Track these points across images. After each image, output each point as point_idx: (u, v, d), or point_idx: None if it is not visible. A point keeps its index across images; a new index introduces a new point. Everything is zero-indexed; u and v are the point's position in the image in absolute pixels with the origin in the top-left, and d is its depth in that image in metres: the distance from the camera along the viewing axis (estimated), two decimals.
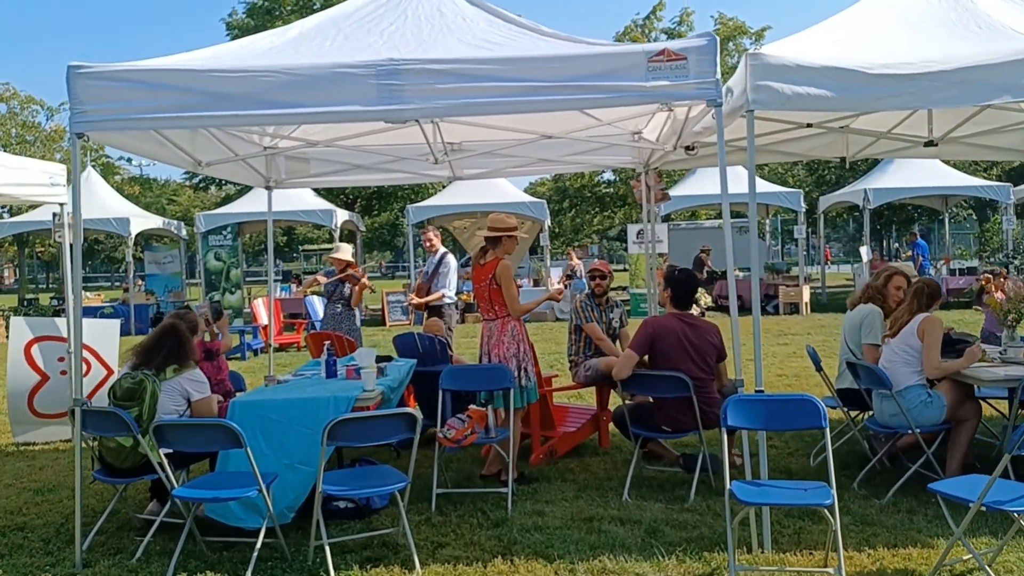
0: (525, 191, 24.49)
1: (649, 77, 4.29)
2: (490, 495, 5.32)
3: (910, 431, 5.05)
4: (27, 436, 7.56)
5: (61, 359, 7.66)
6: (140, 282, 23.73)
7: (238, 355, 13.76)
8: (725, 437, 4.19)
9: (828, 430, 4.00)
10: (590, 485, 5.59)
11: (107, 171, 33.51)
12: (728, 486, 3.86)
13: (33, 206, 25.17)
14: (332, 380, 5.42)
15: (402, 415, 4.15)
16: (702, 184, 20.15)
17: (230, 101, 4.32)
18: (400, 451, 6.53)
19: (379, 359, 6.26)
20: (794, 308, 18.67)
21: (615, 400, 7.25)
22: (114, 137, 4.84)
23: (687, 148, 5.92)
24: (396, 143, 6.91)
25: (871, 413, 5.55)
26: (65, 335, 7.54)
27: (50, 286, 44.73)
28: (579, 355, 6.54)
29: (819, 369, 6.08)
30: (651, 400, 5.48)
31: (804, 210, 20.56)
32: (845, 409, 5.85)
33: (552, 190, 32.53)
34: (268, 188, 7.54)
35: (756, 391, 4.38)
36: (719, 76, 4.31)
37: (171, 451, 4.36)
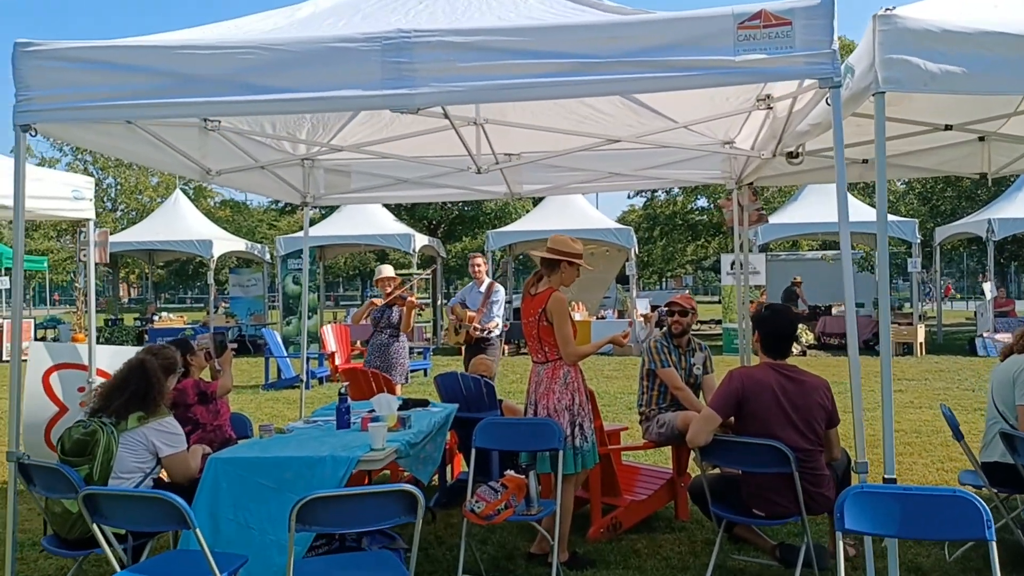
0: (617, 220, 23.40)
1: (739, 49, 3.20)
2: None
3: None
4: None
5: (81, 388, 6.99)
6: (224, 304, 23.69)
7: (298, 383, 13.07)
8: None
9: (995, 543, 2.78)
10: (661, 573, 4.44)
11: (199, 194, 34.11)
12: None
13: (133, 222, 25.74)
14: (342, 432, 4.46)
15: (399, 493, 3.12)
16: (806, 210, 18.58)
17: (203, 85, 3.45)
18: (436, 513, 5.51)
19: (413, 403, 5.30)
20: (907, 349, 16.82)
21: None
22: (75, 132, 4.04)
23: (789, 155, 4.75)
24: (447, 154, 5.99)
25: None
26: (86, 362, 6.88)
27: (161, 305, 46.08)
28: (652, 407, 5.40)
29: (959, 437, 4.75)
30: (738, 473, 4.30)
31: (919, 241, 18.69)
32: (995, 490, 4.52)
33: (642, 217, 31.20)
34: (305, 204, 6.72)
35: (886, 480, 3.17)
36: (836, 47, 3.18)
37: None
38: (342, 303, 49.24)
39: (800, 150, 4.70)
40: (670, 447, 5.49)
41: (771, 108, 4.68)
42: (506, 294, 8.51)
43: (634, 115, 5.44)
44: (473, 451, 4.48)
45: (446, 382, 5.90)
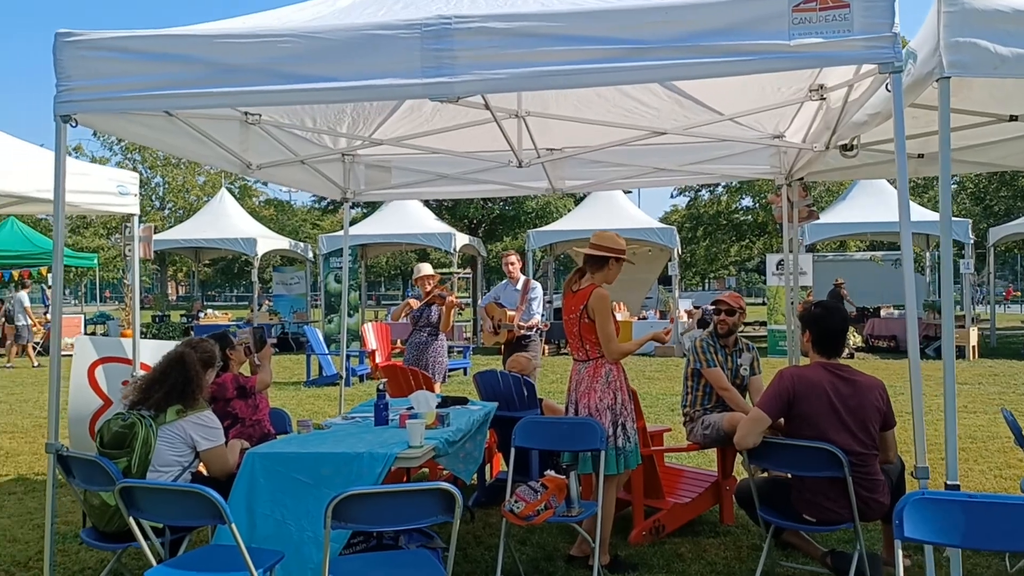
0: (660, 220, 23.08)
1: (794, 33, 3.05)
2: None
3: None
4: None
5: (125, 382, 7.03)
6: (268, 302, 23.93)
7: (339, 381, 13.09)
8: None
9: None
10: None
11: (244, 193, 34.54)
12: None
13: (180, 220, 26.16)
14: (380, 429, 4.40)
15: (437, 492, 3.04)
16: (855, 210, 18.16)
17: (241, 74, 3.40)
18: (475, 512, 5.43)
19: (452, 401, 5.22)
20: (959, 352, 16.34)
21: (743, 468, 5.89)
22: (117, 123, 4.02)
23: (843, 148, 4.56)
24: (488, 149, 5.91)
25: None
26: (131, 356, 6.94)
27: (207, 302, 46.75)
28: (696, 407, 5.24)
29: (1023, 443, 4.53)
30: (788, 477, 4.14)
31: (972, 242, 18.14)
32: None
33: (685, 217, 30.79)
34: (345, 200, 6.68)
35: (949, 486, 3.00)
36: (898, 30, 3.02)
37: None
38: (384, 302, 49.50)
39: (855, 143, 4.51)
40: (715, 449, 5.32)
41: (824, 99, 4.51)
42: (546, 293, 8.36)
43: (680, 108, 5.30)
44: (513, 450, 4.39)
45: (485, 380, 5.82)
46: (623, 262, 4.58)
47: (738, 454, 5.15)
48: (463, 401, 5.30)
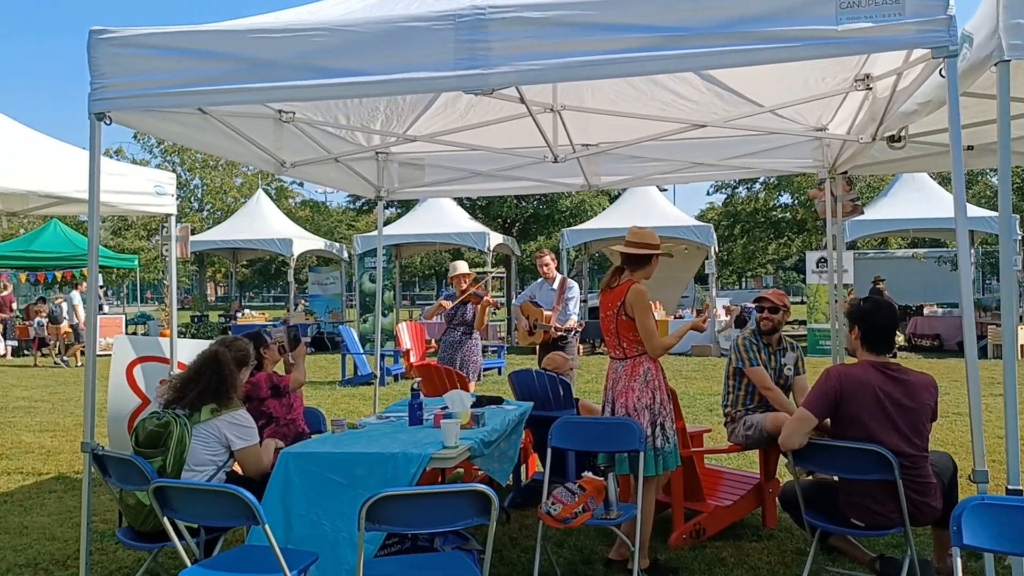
0: (696, 217, 22.79)
1: (842, 17, 2.93)
2: None
3: None
4: None
5: (163, 381, 7.08)
6: (304, 302, 24.12)
7: (373, 380, 13.10)
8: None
9: None
10: None
11: (280, 194, 34.87)
12: None
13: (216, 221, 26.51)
14: (414, 429, 4.34)
15: (472, 493, 2.96)
16: (897, 206, 17.77)
17: (274, 69, 3.35)
18: (511, 514, 5.35)
19: (487, 400, 5.15)
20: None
21: (785, 470, 5.72)
22: (151, 121, 4.00)
23: (891, 139, 4.41)
24: (523, 145, 5.83)
25: None
26: (168, 355, 6.98)
27: (245, 303, 47.27)
28: (738, 407, 5.11)
29: None
30: (835, 480, 4.00)
31: (1020, 238, 17.63)
32: None
33: (721, 214, 30.42)
34: (379, 199, 6.64)
35: (1011, 491, 2.85)
36: (953, 12, 2.88)
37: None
38: (418, 302, 49.70)
39: (903, 133, 4.35)
40: (757, 450, 5.19)
41: (870, 88, 4.35)
42: (580, 292, 8.21)
43: (719, 100, 5.17)
44: (549, 451, 4.30)
45: (521, 379, 5.74)
46: (660, 257, 4.49)
47: (782, 455, 5.02)
48: (498, 401, 5.23)
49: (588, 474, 4.03)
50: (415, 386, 4.52)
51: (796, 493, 4.08)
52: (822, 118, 5.38)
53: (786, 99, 4.89)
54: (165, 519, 3.20)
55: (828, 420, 3.87)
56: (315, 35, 3.31)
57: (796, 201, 24.82)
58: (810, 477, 4.28)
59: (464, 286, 7.47)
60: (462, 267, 7.51)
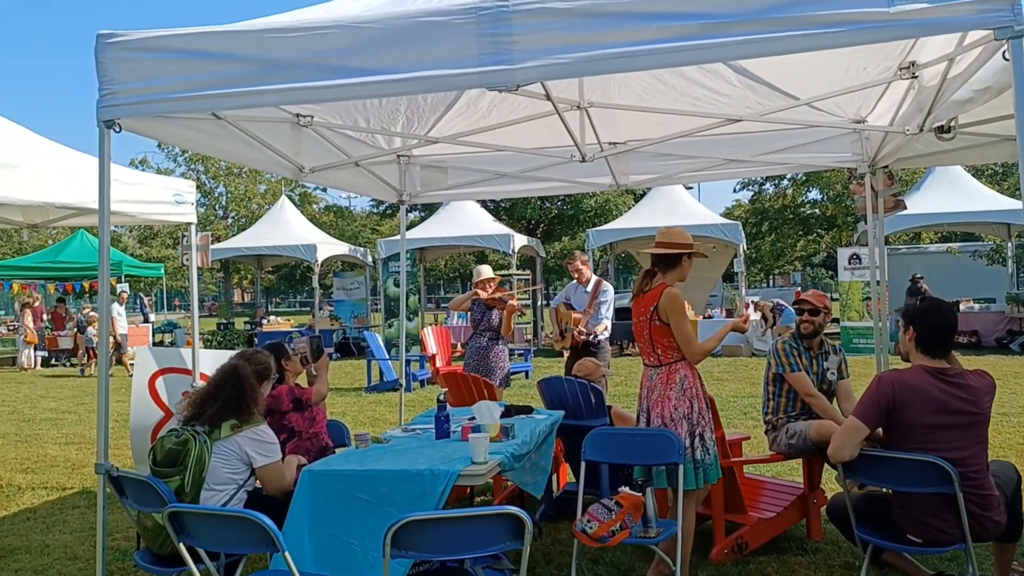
0: (722, 215, 22.44)
1: None
2: None
3: None
4: None
5: (185, 393, 6.98)
6: (329, 307, 24.11)
7: (399, 386, 12.95)
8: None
9: None
10: None
11: (304, 200, 34.94)
12: None
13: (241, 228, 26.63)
14: (441, 443, 4.16)
15: (505, 516, 2.78)
16: (930, 200, 17.32)
17: (290, 70, 3.19)
18: (543, 528, 5.16)
19: (516, 410, 4.97)
20: None
21: (832, 480, 5.47)
22: (164, 128, 3.85)
23: (939, 130, 4.16)
24: (549, 145, 5.65)
25: None
26: (191, 367, 6.87)
27: (271, 309, 47.46)
28: (779, 415, 4.89)
29: None
30: (887, 492, 3.76)
31: None
32: None
33: (748, 212, 29.99)
34: (401, 203, 6.49)
35: None
36: None
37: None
38: (443, 305, 49.65)
39: (952, 124, 4.11)
40: (800, 459, 4.95)
41: (916, 76, 4.11)
42: None
43: (752, 94, 4.95)
44: (583, 464, 4.11)
45: (551, 387, 5.54)
46: (694, 257, 4.29)
47: (827, 464, 4.79)
48: (527, 410, 5.04)
49: (625, 489, 3.83)
50: (441, 397, 4.34)
51: (845, 506, 3.86)
52: (861, 110, 5.14)
53: (824, 90, 4.66)
54: (181, 545, 3.04)
55: (879, 429, 3.64)
56: (331, 34, 3.15)
57: (825, 197, 24.37)
58: (860, 489, 4.04)
59: (489, 291, 7.28)
60: (486, 271, 7.32)
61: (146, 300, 30.99)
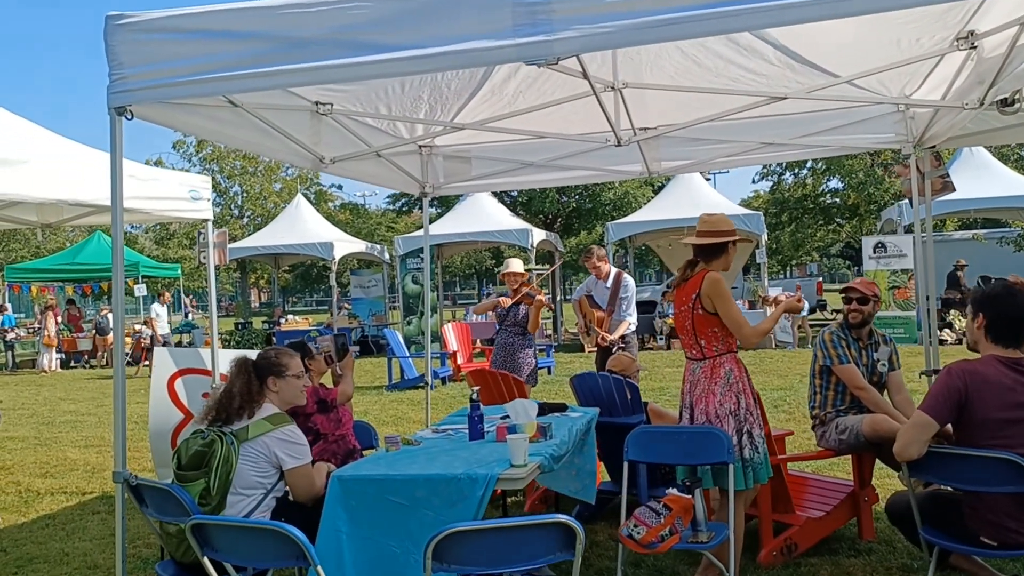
0: (739, 205, 22.05)
1: None
2: None
3: None
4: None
5: (206, 395, 6.79)
6: (347, 306, 24.00)
7: (422, 384, 12.75)
8: None
9: None
10: None
11: (320, 198, 34.80)
12: None
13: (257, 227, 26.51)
14: (476, 444, 3.94)
15: (554, 526, 2.56)
16: (960, 184, 16.89)
17: (310, 48, 2.98)
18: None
19: (550, 408, 4.74)
20: None
21: (883, 477, 5.23)
22: (178, 115, 3.64)
23: (1003, 103, 3.89)
24: (577, 131, 5.41)
25: None
26: (210, 367, 6.69)
27: (288, 308, 47.36)
28: (828, 409, 4.64)
29: None
30: (950, 490, 3.51)
31: None
32: None
33: (768, 202, 29.56)
34: (424, 195, 6.27)
35: None
36: None
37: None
38: (460, 302, 49.51)
39: (1018, 96, 3.83)
40: (848, 455, 4.70)
41: (975, 47, 3.85)
42: None
43: (792, 72, 4.69)
44: (625, 465, 3.88)
45: (584, 383, 5.32)
46: (738, 244, 4.06)
47: (882, 461, 4.55)
48: (562, 408, 4.82)
49: (673, 491, 3.60)
50: (474, 396, 4.11)
51: (906, 506, 3.62)
52: (907, 87, 4.86)
53: (870, 66, 4.39)
54: (206, 559, 2.84)
55: (948, 425, 3.39)
56: (353, 7, 2.92)
57: (846, 185, 23.93)
58: (926, 488, 3.79)
59: (516, 286, 7.04)
60: (516, 265, 7.08)
61: (187, 300, 30.72)
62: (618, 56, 4.31)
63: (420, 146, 5.90)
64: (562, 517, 2.53)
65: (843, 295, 4.69)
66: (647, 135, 5.22)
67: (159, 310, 18.09)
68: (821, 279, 31.35)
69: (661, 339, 17.43)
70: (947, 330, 15.73)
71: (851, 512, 4.66)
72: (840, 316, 4.72)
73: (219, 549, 2.83)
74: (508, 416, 4.23)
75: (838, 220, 27.10)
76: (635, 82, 4.55)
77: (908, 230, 17.88)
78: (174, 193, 6.17)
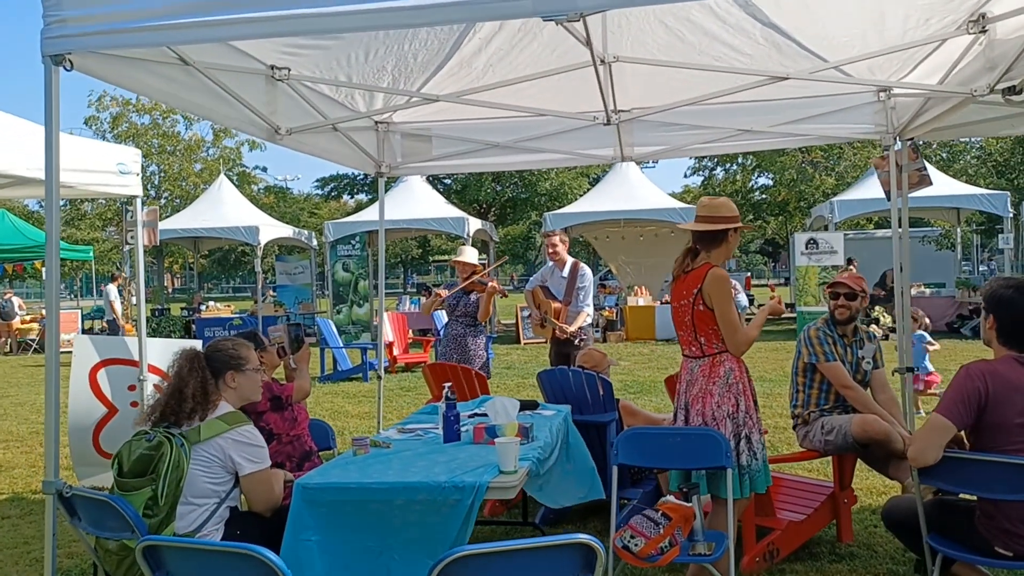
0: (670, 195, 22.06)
1: None
2: None
3: None
4: (93, 480, 6.09)
5: (132, 387, 6.24)
6: (272, 293, 23.14)
7: (358, 375, 12.29)
8: None
9: None
10: None
11: (243, 180, 33.55)
12: None
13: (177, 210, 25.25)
14: (452, 447, 3.59)
15: (573, 547, 2.24)
16: (870, 188, 17.51)
17: None
18: (545, 531, 4.63)
19: (523, 406, 4.42)
20: None
21: (863, 478, 5.10)
22: (124, 70, 3.14)
23: (1009, 91, 3.74)
24: (549, 109, 5.09)
25: None
26: (137, 357, 6.13)
27: (206, 294, 45.71)
28: (811, 408, 4.46)
29: None
30: (959, 497, 3.35)
31: (1011, 216, 17.33)
32: None
33: (698, 197, 29.93)
34: (380, 175, 5.86)
35: None
36: None
37: None
38: (386, 291, 48.65)
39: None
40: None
41: (984, 31, 3.68)
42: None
43: (777, 53, 4.47)
44: (614, 469, 3.60)
45: (553, 379, 5.02)
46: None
47: (865, 463, 4.40)
48: (533, 406, 4.51)
49: (671, 498, 3.33)
50: (449, 394, 3.75)
51: (908, 512, 3.44)
52: (893, 70, 4.68)
53: (859, 50, 4.21)
54: None
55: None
56: None
57: (776, 182, 24.34)
58: (935, 496, 3.62)
59: (467, 274, 6.68)
60: (469, 254, 6.73)
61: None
62: (608, 27, 4.01)
63: (377, 122, 5.49)
64: (583, 537, 2.22)
65: (830, 291, 4.51)
66: (629, 116, 4.94)
67: (114, 293, 17.16)
68: (749, 274, 31.90)
69: (598, 332, 17.32)
70: (874, 325, 16.07)
71: (831, 515, 4.50)
72: (826, 312, 4.54)
73: (175, 573, 2.41)
74: (481, 415, 3.89)
75: (764, 216, 27.59)
76: (623, 56, 4.25)
77: (838, 227, 18.22)
78: (101, 166, 5.61)
